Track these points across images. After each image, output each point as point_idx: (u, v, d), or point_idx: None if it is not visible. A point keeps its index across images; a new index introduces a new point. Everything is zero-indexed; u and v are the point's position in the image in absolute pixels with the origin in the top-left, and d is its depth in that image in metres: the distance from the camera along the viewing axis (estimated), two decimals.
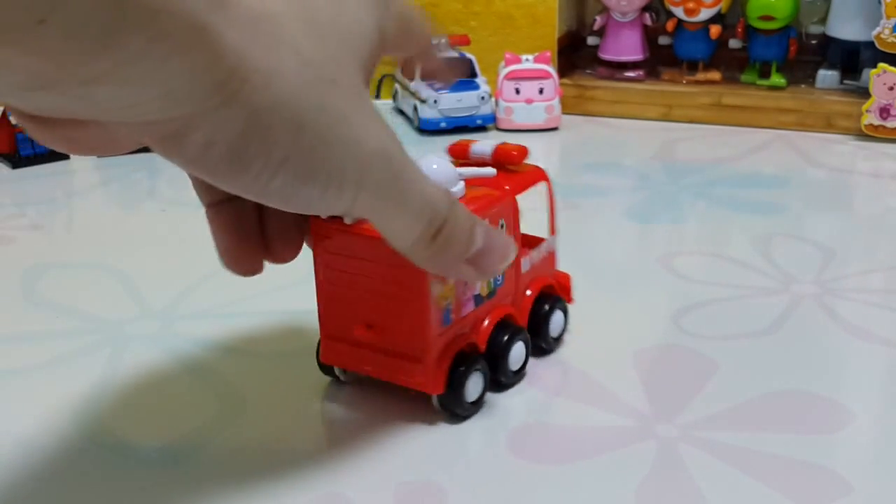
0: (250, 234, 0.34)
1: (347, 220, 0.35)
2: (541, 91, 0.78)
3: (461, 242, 0.31)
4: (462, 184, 0.37)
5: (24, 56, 0.20)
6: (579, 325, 0.39)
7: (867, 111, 0.74)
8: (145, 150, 0.80)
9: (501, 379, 0.38)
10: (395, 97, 0.85)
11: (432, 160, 0.37)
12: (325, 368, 0.39)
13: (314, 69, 0.26)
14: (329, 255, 0.36)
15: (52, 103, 0.23)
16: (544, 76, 0.78)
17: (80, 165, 0.73)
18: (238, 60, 0.23)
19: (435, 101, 0.77)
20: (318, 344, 0.38)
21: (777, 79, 0.80)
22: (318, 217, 0.35)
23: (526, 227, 0.39)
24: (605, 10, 0.84)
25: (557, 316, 0.41)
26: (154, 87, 0.22)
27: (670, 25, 0.82)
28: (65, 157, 0.73)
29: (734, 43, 0.83)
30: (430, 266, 0.32)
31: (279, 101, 0.25)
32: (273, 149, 0.25)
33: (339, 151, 0.26)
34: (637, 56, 0.84)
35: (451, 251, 0.31)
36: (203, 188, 0.34)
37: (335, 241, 0.36)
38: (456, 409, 0.37)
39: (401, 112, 0.84)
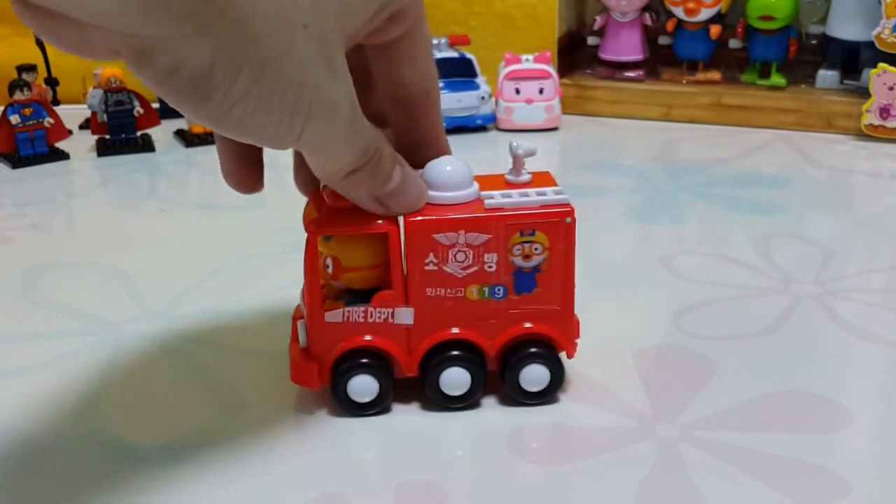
0: (251, 155, 0.36)
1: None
2: (541, 91, 0.78)
3: (379, 179, 0.34)
4: (477, 185, 0.37)
5: None
6: (580, 325, 0.39)
7: (867, 111, 0.73)
8: (145, 150, 0.80)
9: None
10: None
11: (445, 162, 0.37)
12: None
13: (289, 11, 0.27)
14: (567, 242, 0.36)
15: None
16: (544, 76, 0.78)
17: (80, 166, 0.73)
18: None
19: None
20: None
21: (777, 79, 0.80)
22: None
23: None
24: (604, 10, 0.84)
25: None
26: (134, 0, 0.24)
27: (670, 25, 0.82)
28: (65, 157, 0.73)
29: (734, 43, 0.83)
30: (343, 193, 0.34)
31: (249, 39, 0.26)
32: (235, 82, 0.27)
33: (295, 93, 0.28)
34: (637, 56, 0.84)
35: (368, 184, 0.34)
36: None
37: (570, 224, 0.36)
38: None
39: None
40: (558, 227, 0.36)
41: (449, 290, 0.36)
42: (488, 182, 0.37)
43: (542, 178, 0.38)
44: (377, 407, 0.37)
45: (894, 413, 0.38)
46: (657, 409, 0.38)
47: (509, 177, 0.38)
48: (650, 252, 0.54)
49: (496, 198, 0.36)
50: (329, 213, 0.36)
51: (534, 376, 0.37)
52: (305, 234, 0.35)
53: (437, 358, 0.37)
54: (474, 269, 0.36)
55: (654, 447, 0.35)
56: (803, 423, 0.37)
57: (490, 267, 0.36)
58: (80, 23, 0.25)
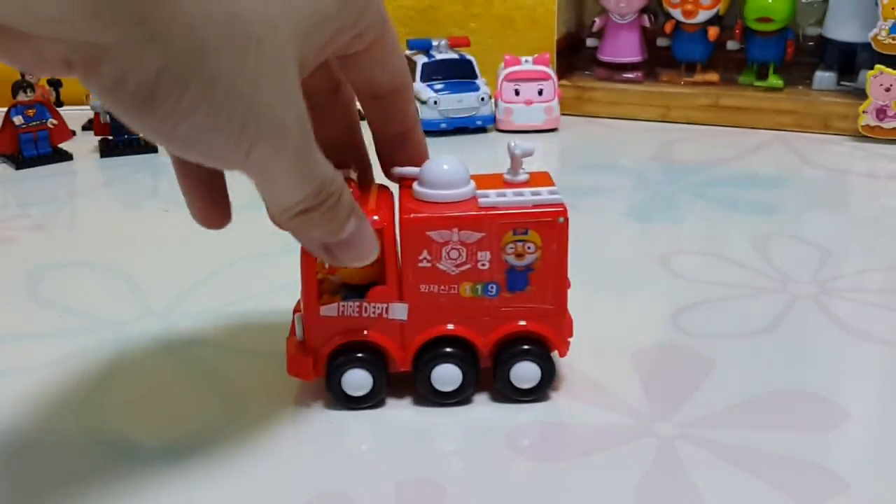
0: (216, 187, 0.35)
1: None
2: (540, 92, 0.79)
3: (333, 225, 0.32)
4: (473, 184, 0.37)
5: None
6: (578, 324, 0.39)
7: (864, 112, 0.74)
8: (147, 151, 0.79)
9: None
10: None
11: (442, 160, 0.37)
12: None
13: (243, 25, 0.26)
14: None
15: None
16: (543, 77, 0.79)
17: (83, 166, 0.73)
18: None
19: (435, 103, 0.77)
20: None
21: (774, 80, 0.80)
22: None
23: None
24: (603, 11, 0.85)
25: None
26: (82, 4, 0.23)
27: (668, 27, 0.83)
28: (68, 157, 0.74)
29: (732, 44, 0.83)
30: (291, 232, 0.32)
31: (199, 50, 0.25)
32: (183, 95, 0.25)
33: (244, 110, 0.27)
34: (635, 57, 0.84)
35: (320, 228, 0.32)
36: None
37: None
38: None
39: None
40: (551, 226, 0.36)
41: (442, 287, 0.37)
42: (486, 181, 0.38)
43: (540, 178, 0.38)
44: (371, 401, 0.38)
45: (890, 411, 0.38)
46: (655, 408, 0.38)
47: (507, 176, 0.38)
48: (648, 252, 0.55)
49: (490, 196, 0.36)
50: None
51: (525, 373, 0.38)
52: None
53: (429, 354, 0.38)
54: (467, 266, 0.36)
55: (652, 445, 0.36)
56: (800, 422, 0.37)
57: (483, 265, 0.36)
58: (29, 35, 0.24)
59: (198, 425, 0.38)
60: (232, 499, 0.33)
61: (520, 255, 0.36)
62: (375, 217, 0.36)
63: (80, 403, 0.39)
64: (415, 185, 0.37)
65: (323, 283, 0.37)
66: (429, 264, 0.36)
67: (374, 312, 0.37)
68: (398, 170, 0.38)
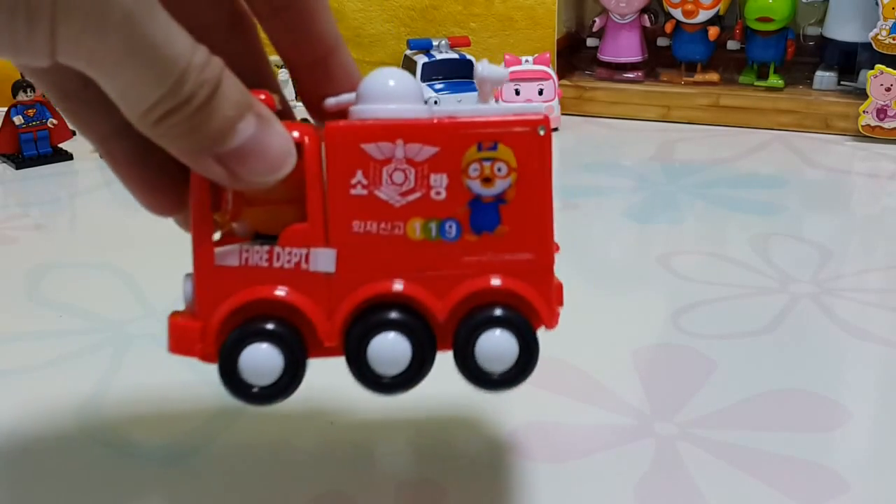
0: (156, 168, 0.27)
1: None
2: (540, 92, 0.79)
3: (211, 128, 0.23)
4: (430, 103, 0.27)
5: None
6: (578, 324, 0.39)
7: (864, 112, 0.74)
8: None
9: None
10: None
11: (387, 71, 0.27)
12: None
13: None
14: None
15: None
16: (544, 77, 0.79)
17: (84, 166, 0.73)
18: None
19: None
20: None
21: (775, 80, 0.80)
22: None
23: None
24: (604, 11, 0.85)
25: None
26: None
27: (669, 27, 0.83)
28: (68, 157, 0.74)
29: (732, 44, 0.83)
30: (165, 145, 0.24)
31: None
32: None
33: None
34: (636, 57, 0.84)
35: (194, 134, 0.23)
36: (85, 124, 0.27)
37: None
38: None
39: None
40: (529, 139, 0.26)
41: (383, 225, 0.26)
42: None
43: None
44: (281, 395, 0.27)
45: (890, 411, 0.38)
46: (656, 408, 0.38)
47: None
48: (649, 252, 0.55)
49: (449, 108, 0.27)
50: None
51: (495, 350, 0.26)
52: None
53: (364, 322, 0.26)
54: (417, 195, 0.26)
55: (652, 445, 0.36)
56: (800, 422, 0.37)
57: (438, 193, 0.26)
58: None
59: (197, 426, 0.38)
60: (232, 499, 0.33)
61: (487, 180, 0.26)
62: (295, 133, 0.26)
63: (79, 403, 0.39)
64: (351, 108, 0.27)
65: (226, 234, 0.28)
66: (364, 191, 0.26)
67: (288, 262, 0.26)
68: (332, 100, 0.29)
